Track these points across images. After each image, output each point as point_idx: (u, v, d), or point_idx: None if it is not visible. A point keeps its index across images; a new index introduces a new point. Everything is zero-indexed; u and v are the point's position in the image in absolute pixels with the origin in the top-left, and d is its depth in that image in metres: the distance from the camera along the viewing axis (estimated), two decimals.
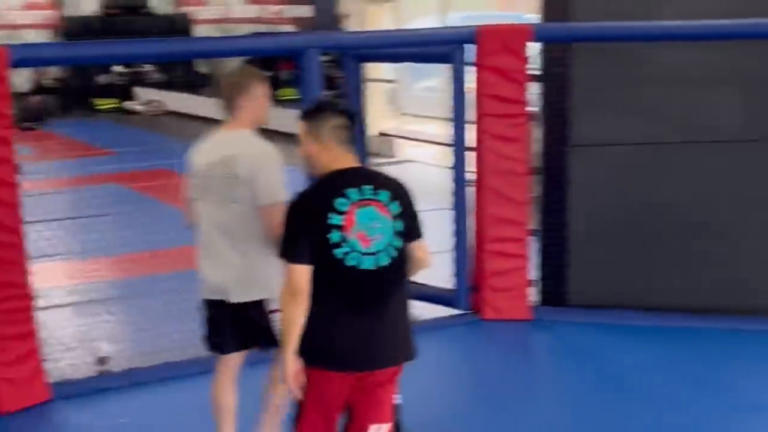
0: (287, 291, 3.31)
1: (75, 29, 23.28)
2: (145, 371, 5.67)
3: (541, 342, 6.28)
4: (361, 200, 3.34)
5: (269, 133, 4.19)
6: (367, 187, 3.36)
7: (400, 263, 3.40)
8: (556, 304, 6.61)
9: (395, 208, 3.38)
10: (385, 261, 3.34)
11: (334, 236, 3.28)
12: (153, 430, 4.96)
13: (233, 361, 4.21)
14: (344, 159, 3.44)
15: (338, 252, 3.28)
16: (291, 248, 3.34)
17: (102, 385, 5.54)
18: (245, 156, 3.93)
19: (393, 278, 3.38)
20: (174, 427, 4.96)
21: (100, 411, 5.20)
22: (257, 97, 4.10)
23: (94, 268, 7.25)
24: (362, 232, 3.31)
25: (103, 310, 6.66)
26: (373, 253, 3.32)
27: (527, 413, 4.99)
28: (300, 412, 3.46)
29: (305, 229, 3.32)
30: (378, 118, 13.36)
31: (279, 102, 21.15)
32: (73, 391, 5.42)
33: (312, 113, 3.51)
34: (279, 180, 3.96)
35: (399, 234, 3.38)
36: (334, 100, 4.90)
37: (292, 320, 3.30)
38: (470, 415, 4.99)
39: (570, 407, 5.08)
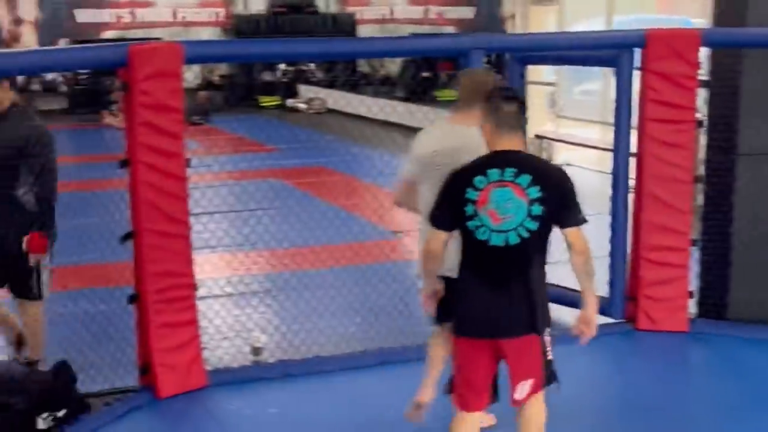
0: (424, 249, 3.85)
1: (243, 27, 23.99)
2: (298, 364, 5.77)
3: (698, 356, 6.07)
4: (499, 181, 3.63)
5: None
6: (511, 169, 3.63)
7: (532, 244, 3.64)
8: (715, 317, 6.37)
9: (534, 192, 3.60)
10: (514, 240, 3.61)
11: (468, 209, 3.64)
12: (301, 422, 5.04)
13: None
14: (508, 142, 3.72)
15: (471, 224, 3.65)
16: (435, 214, 3.81)
17: (256, 374, 5.67)
18: (470, 149, 4.00)
19: (521, 257, 3.65)
20: (321, 421, 5.03)
21: (253, 400, 5.33)
22: None
23: (254, 261, 7.43)
24: (493, 210, 3.61)
25: (260, 302, 6.83)
26: (503, 231, 3.61)
27: (678, 430, 4.85)
28: (453, 376, 3.92)
29: (448, 199, 3.74)
30: (536, 121, 13.22)
31: (439, 102, 21.17)
32: (228, 378, 5.57)
33: (492, 98, 3.81)
34: None
35: (535, 217, 3.61)
36: (510, 87, 5.29)
37: (425, 273, 3.96)
38: (619, 428, 4.88)
39: (724, 426, 4.90)
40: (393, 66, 25.15)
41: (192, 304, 5.38)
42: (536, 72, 13.41)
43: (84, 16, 23.03)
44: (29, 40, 21.13)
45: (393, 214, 8.10)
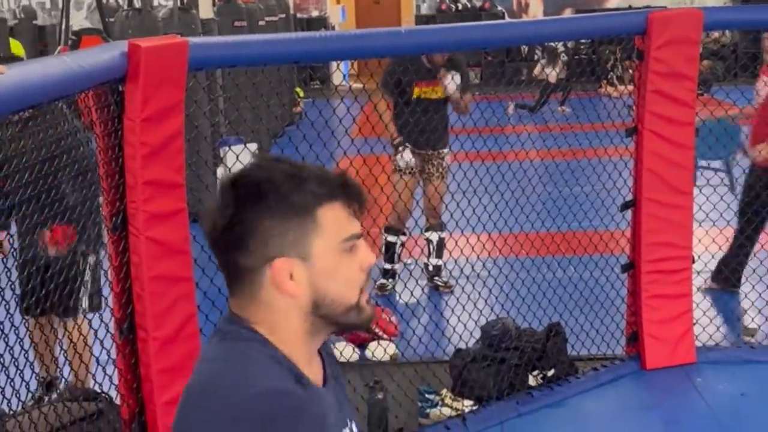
0: None
1: None
2: None
3: None
4: None
5: None
6: None
7: None
8: None
9: None
10: None
11: None
12: None
13: None
14: None
15: None
16: None
17: (747, 356, 5.45)
18: None
19: None
20: None
21: (743, 382, 5.13)
22: None
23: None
24: None
25: (752, 281, 6.51)
26: None
27: None
28: None
29: None
30: None
31: None
32: (718, 357, 5.41)
33: None
34: None
35: None
36: None
37: None
38: None
39: None
40: None
41: (687, 277, 5.27)
42: None
43: None
44: (536, 10, 21.85)
45: None
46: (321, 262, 1.61)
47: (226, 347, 1.62)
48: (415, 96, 6.54)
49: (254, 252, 1.59)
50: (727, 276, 6.31)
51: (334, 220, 1.61)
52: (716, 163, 6.30)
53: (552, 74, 14.91)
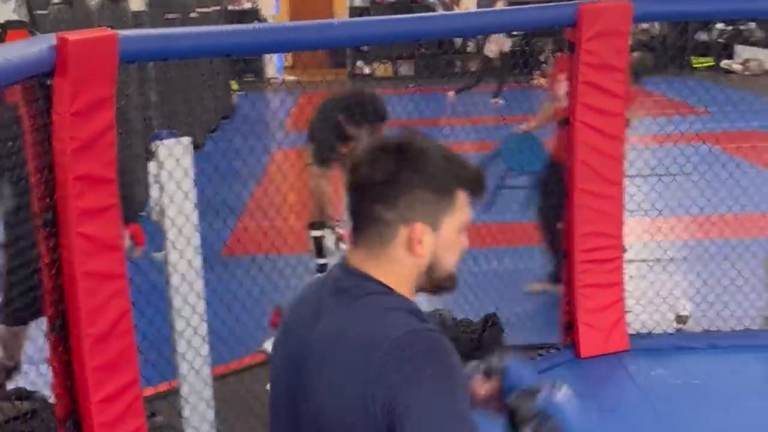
0: None
1: None
2: (724, 336, 5.56)
3: None
4: None
5: None
6: None
7: None
8: None
9: None
10: None
11: None
12: (727, 394, 4.86)
13: None
14: None
15: None
16: None
17: (679, 343, 5.54)
18: None
19: None
20: (749, 395, 4.83)
21: (675, 368, 5.22)
22: None
23: (676, 227, 7.23)
24: None
25: (683, 269, 6.62)
26: None
27: None
28: None
29: None
30: None
31: None
32: (651, 345, 5.50)
33: None
34: None
35: None
36: None
37: None
38: None
39: None
40: None
41: (619, 266, 5.35)
42: None
43: None
44: (469, 2, 21.93)
45: None
46: (445, 235, 1.87)
47: (373, 301, 1.83)
48: None
49: (399, 211, 1.82)
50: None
51: (463, 205, 1.88)
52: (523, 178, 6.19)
53: (492, 50, 14.96)
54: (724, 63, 21.64)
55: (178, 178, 3.90)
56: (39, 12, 8.94)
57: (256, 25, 4.43)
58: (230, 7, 19.22)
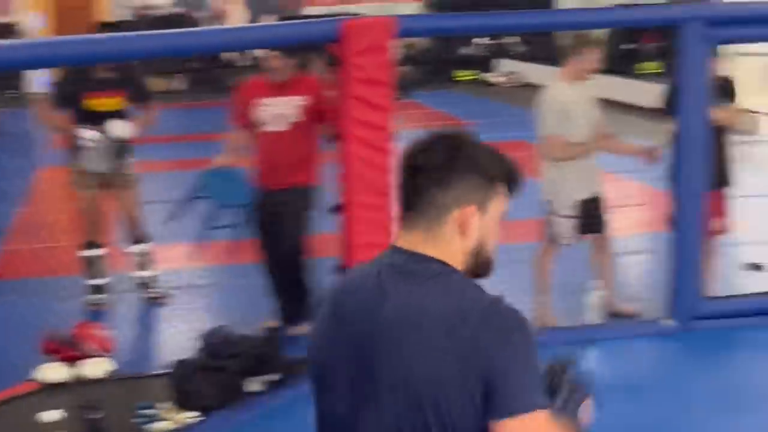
0: None
1: (442, 1, 23.97)
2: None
3: None
4: None
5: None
6: None
7: None
8: None
9: None
10: None
11: None
12: None
13: None
14: None
15: None
16: None
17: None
18: None
19: None
20: None
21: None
22: None
23: None
24: None
25: None
26: None
27: None
28: None
29: None
30: (747, 94, 12.61)
31: (640, 76, 20.34)
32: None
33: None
34: None
35: None
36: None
37: None
38: None
39: None
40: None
41: None
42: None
43: None
44: (238, 17, 21.84)
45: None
46: (490, 219, 2.06)
47: (446, 279, 1.99)
48: (86, 108, 6.32)
49: (455, 195, 2.00)
50: None
51: (503, 196, 2.08)
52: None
53: None
54: (486, 76, 22.61)
55: None
56: None
57: (12, 40, 4.21)
58: None
